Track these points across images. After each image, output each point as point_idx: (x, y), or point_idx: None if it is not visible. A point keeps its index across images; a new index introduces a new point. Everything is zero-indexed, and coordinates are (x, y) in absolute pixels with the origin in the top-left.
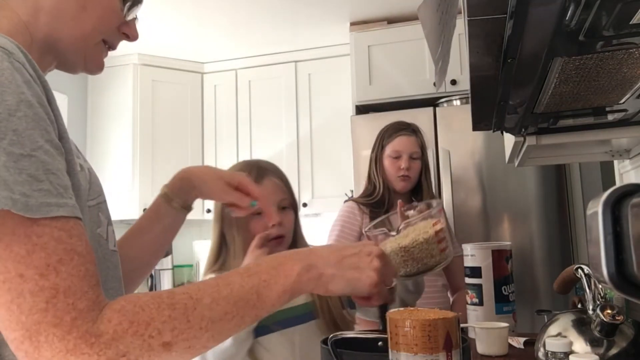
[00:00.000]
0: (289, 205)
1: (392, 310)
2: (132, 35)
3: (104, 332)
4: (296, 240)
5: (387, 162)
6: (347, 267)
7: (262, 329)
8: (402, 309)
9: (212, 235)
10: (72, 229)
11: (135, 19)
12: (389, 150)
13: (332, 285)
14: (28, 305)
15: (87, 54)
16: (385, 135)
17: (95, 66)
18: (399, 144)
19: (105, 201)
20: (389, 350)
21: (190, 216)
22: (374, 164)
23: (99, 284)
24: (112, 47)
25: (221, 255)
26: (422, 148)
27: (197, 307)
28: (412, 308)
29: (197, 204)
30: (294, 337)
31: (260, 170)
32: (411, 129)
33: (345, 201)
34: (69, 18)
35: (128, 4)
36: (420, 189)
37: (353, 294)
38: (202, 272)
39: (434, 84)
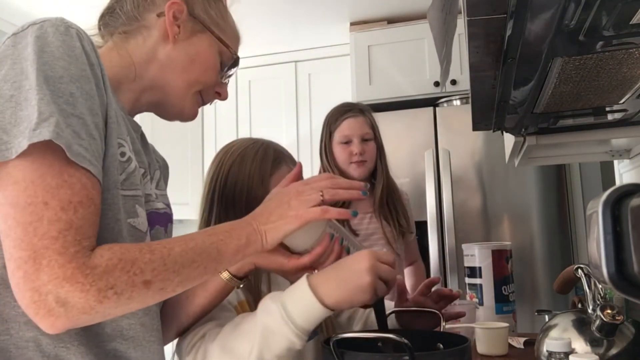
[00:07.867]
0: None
1: None
2: (223, 95)
3: (97, 265)
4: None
5: (337, 150)
6: (280, 216)
7: None
8: None
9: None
10: (95, 187)
11: (227, 82)
12: (337, 136)
13: (269, 237)
14: (43, 230)
15: (187, 101)
16: (331, 121)
17: (191, 113)
18: (347, 127)
19: (142, 196)
20: None
21: (190, 216)
22: (325, 155)
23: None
24: (205, 101)
25: None
26: (374, 128)
27: (170, 254)
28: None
29: (196, 203)
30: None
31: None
32: (358, 109)
33: None
34: (179, 68)
35: (227, 66)
36: (376, 173)
37: (298, 225)
38: None
39: (435, 84)
